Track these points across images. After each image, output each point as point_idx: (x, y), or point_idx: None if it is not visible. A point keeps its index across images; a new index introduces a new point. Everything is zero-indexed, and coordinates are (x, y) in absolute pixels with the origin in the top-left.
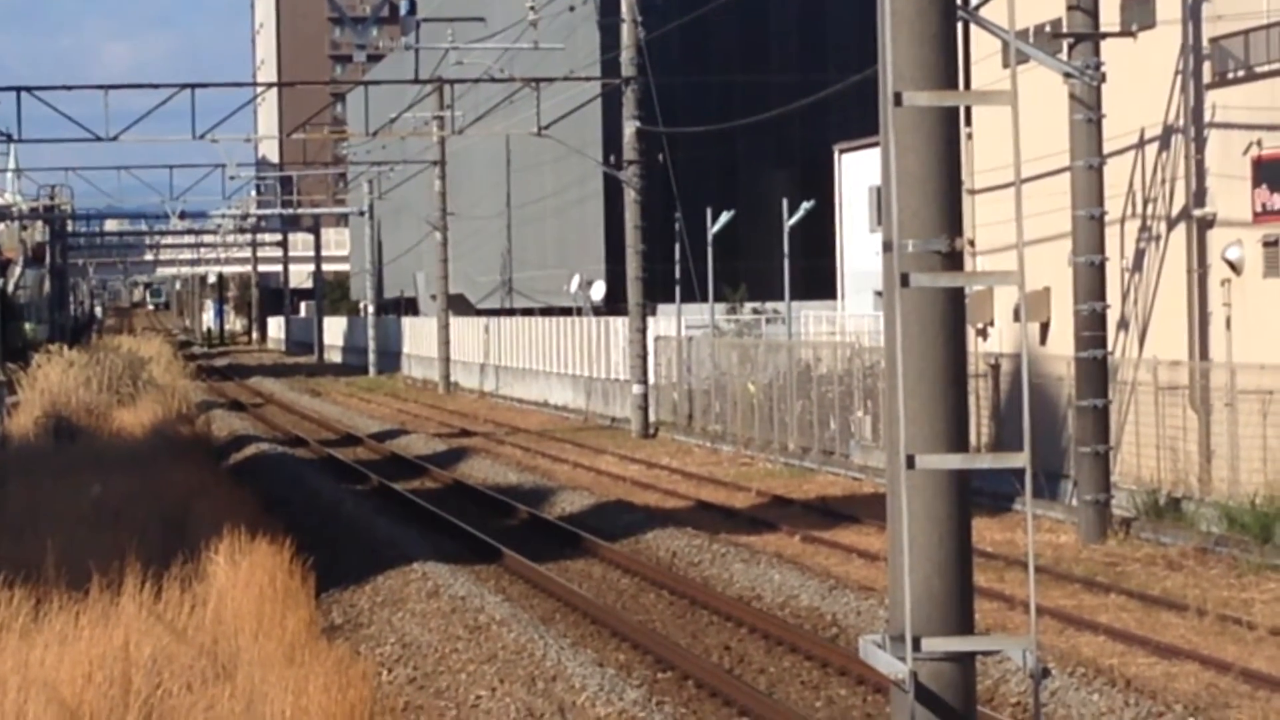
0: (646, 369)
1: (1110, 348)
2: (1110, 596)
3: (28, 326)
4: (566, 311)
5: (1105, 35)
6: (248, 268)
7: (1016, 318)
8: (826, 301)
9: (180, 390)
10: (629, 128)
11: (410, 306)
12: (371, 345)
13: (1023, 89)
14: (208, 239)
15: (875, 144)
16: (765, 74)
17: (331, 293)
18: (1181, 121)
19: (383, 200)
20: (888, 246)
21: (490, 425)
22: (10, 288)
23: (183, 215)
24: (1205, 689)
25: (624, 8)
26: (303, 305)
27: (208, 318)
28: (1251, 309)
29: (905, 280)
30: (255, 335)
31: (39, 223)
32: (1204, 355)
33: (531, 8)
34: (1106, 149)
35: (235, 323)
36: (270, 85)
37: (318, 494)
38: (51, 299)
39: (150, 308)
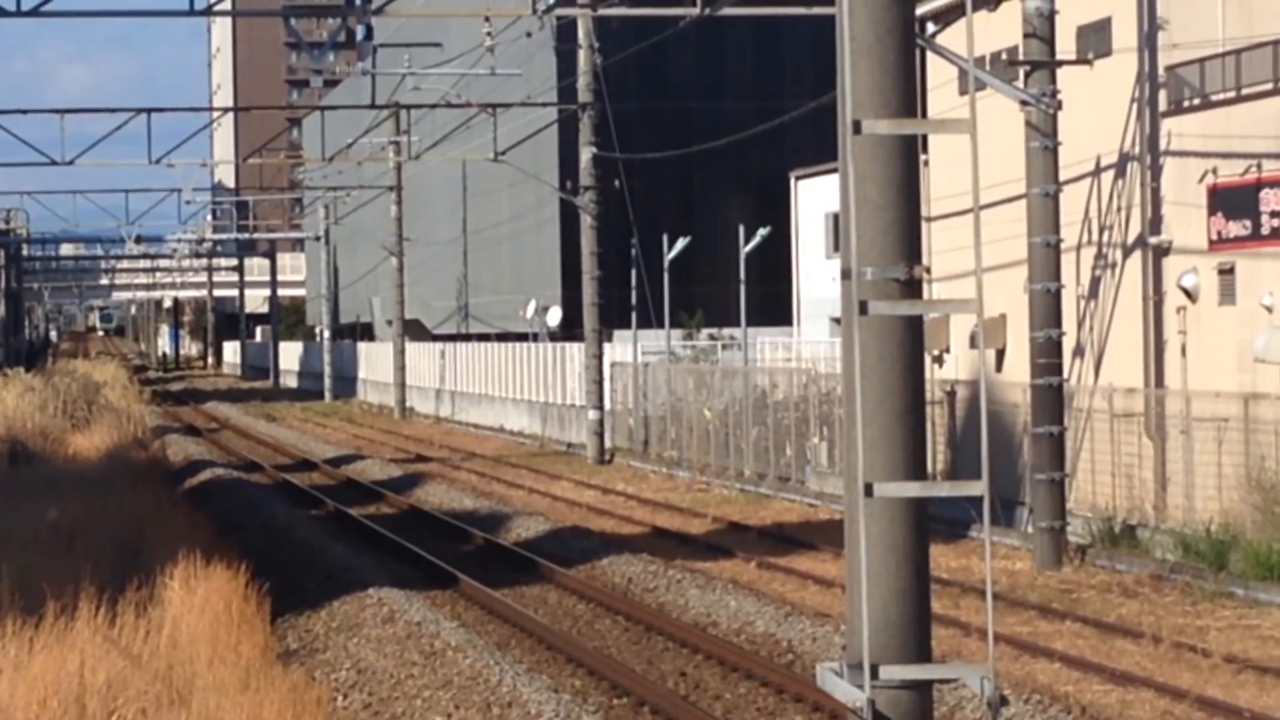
0: (602, 395)
1: (1066, 375)
2: (1065, 623)
3: None
4: (523, 337)
5: (1061, 63)
6: (203, 292)
7: (972, 345)
8: (783, 328)
9: (135, 415)
10: (585, 154)
11: (366, 332)
12: (327, 370)
13: (979, 116)
14: (163, 263)
15: (832, 170)
16: (722, 100)
17: (287, 318)
18: (1137, 149)
19: (339, 225)
20: (846, 274)
21: (446, 450)
22: None
23: (138, 239)
24: (1160, 716)
25: (581, 34)
26: (258, 330)
27: (163, 342)
28: (1206, 336)
29: (864, 308)
30: (211, 360)
31: None
32: (1159, 382)
33: (489, 34)
34: (1063, 176)
35: (191, 347)
36: (226, 110)
37: (273, 519)
38: (6, 323)
39: (101, 333)
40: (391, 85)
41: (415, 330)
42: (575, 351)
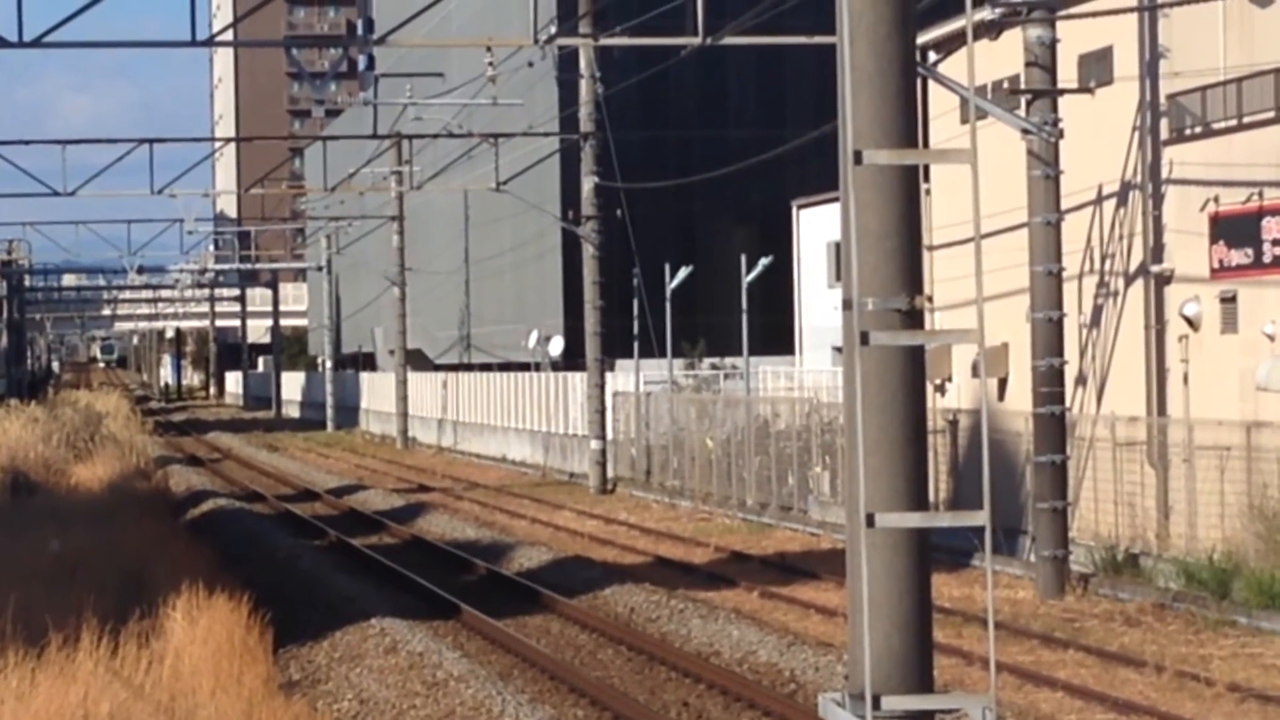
0: (605, 424)
1: (1068, 403)
2: (1068, 652)
3: None
4: (525, 367)
5: (1063, 91)
6: (205, 322)
7: (975, 373)
8: (785, 357)
9: (138, 445)
10: (587, 183)
11: (368, 362)
12: (329, 400)
13: (981, 145)
14: (165, 294)
15: (834, 199)
16: (723, 129)
17: (289, 348)
18: (1139, 178)
19: (341, 255)
20: (848, 304)
21: (448, 480)
22: None
23: (140, 270)
24: None
25: (583, 64)
26: (261, 360)
27: (165, 373)
28: (1209, 365)
29: (865, 339)
30: (213, 390)
31: None
32: (1162, 411)
33: (490, 64)
34: (1064, 205)
35: (193, 378)
36: (228, 140)
37: (275, 550)
38: (8, 354)
39: (102, 365)
40: (393, 115)
41: (417, 360)
42: (577, 381)
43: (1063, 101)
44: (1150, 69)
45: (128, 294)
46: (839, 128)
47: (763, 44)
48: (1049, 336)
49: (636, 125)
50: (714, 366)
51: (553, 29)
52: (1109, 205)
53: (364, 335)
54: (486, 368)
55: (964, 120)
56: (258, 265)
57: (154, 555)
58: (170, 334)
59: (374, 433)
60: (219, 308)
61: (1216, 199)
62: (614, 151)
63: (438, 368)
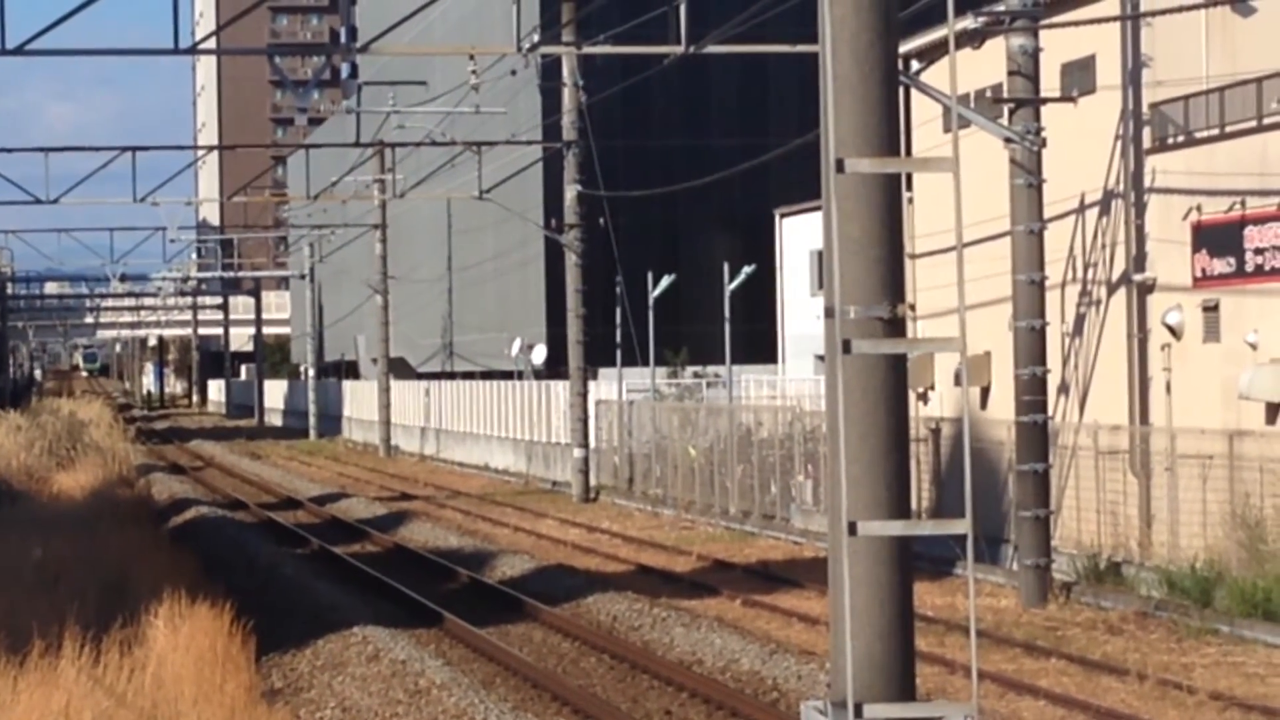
0: (587, 433)
1: (1051, 412)
2: (1051, 661)
3: None
4: (507, 375)
5: (1046, 100)
6: (188, 330)
7: (957, 382)
8: (767, 365)
9: (120, 453)
10: (570, 191)
11: (351, 370)
12: (312, 409)
13: (964, 154)
14: (148, 302)
15: (817, 208)
16: (706, 138)
17: (272, 356)
18: (1122, 186)
19: (324, 263)
20: (830, 313)
21: (431, 489)
22: None
23: (123, 278)
24: None
25: (565, 72)
26: (243, 368)
27: (148, 380)
28: (1191, 373)
29: (847, 346)
30: (195, 398)
31: None
32: (1144, 420)
33: (473, 72)
34: (1047, 214)
35: (175, 386)
36: (211, 148)
37: (258, 558)
38: None
39: (85, 373)
40: (376, 123)
41: (400, 368)
42: (560, 389)
43: (1045, 110)
44: (1133, 78)
45: (110, 302)
46: (821, 136)
47: (745, 52)
48: (1031, 345)
49: (619, 133)
50: (697, 375)
51: (535, 37)
52: (1091, 214)
53: (347, 343)
54: (469, 376)
55: (946, 129)
56: (240, 273)
57: (136, 563)
58: (153, 342)
59: (357, 441)
60: (201, 316)
61: (1199, 208)
62: (597, 160)
63: (420, 376)
